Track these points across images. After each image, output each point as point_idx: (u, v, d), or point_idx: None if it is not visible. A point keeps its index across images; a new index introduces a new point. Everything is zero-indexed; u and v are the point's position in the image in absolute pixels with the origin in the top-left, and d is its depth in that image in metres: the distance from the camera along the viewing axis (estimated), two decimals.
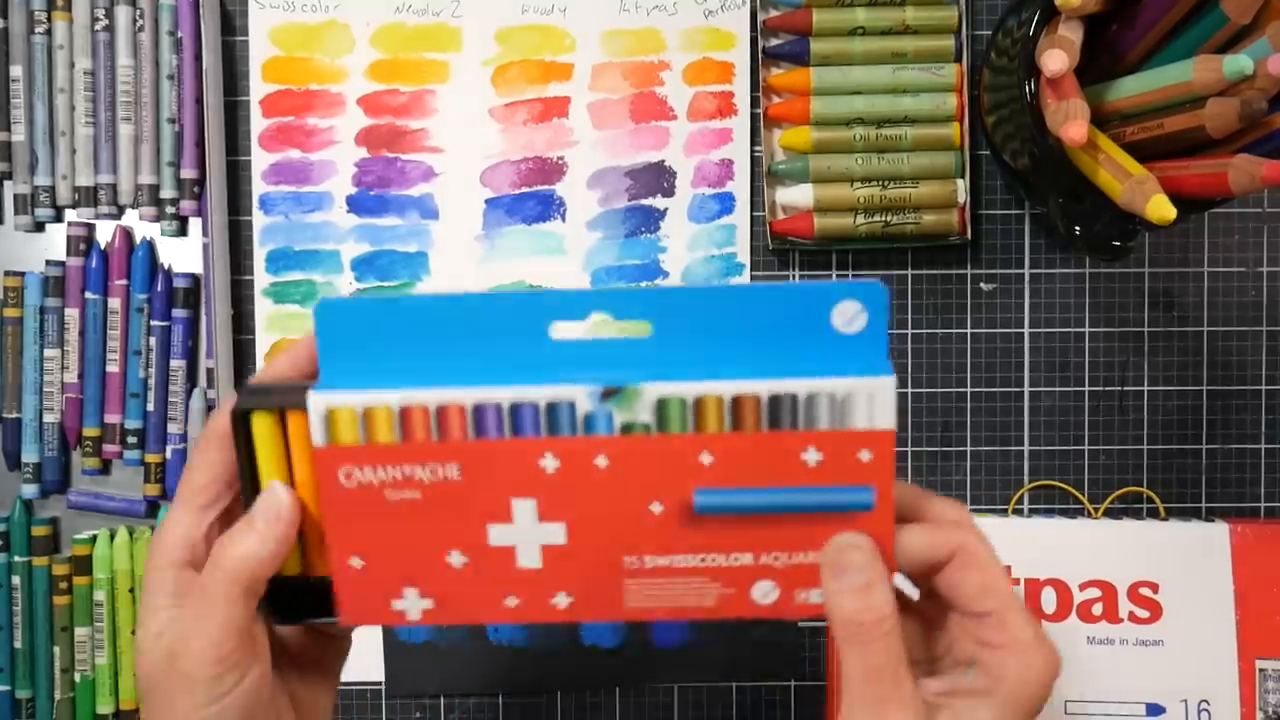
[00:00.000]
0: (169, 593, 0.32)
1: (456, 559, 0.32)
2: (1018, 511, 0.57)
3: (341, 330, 0.31)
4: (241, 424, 0.31)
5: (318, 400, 0.30)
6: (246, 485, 0.32)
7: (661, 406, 0.30)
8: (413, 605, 0.32)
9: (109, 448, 0.55)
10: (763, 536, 0.31)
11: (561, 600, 0.32)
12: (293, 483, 0.32)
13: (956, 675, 0.32)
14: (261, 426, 0.31)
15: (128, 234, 0.56)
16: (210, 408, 0.55)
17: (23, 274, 0.55)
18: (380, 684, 0.56)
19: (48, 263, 0.55)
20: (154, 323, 0.55)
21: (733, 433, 0.30)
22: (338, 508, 0.31)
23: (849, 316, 0.30)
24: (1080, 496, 0.57)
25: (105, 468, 0.56)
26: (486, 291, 0.31)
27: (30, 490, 0.55)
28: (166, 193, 0.55)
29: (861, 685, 0.30)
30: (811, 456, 0.30)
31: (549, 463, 0.31)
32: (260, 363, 0.56)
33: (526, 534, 0.31)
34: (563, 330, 0.31)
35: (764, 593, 0.32)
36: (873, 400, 0.30)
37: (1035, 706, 0.31)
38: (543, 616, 0.32)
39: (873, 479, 0.31)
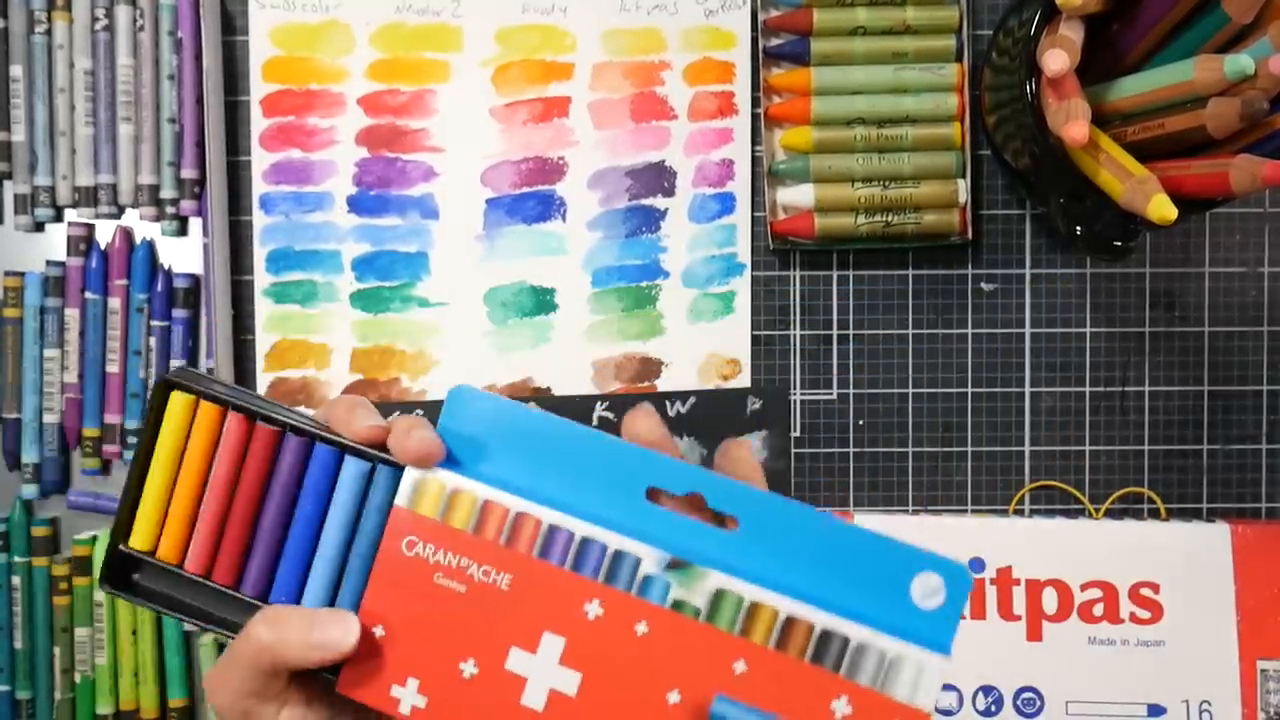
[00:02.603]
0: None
1: (469, 669, 0.31)
2: (1018, 512, 0.57)
3: (464, 418, 0.32)
4: (161, 397, 0.33)
5: (413, 470, 0.32)
6: (141, 453, 0.33)
7: (718, 597, 0.30)
8: (407, 697, 0.32)
9: (109, 448, 0.55)
10: None
11: None
12: (179, 465, 0.33)
13: None
14: (177, 405, 0.33)
15: (128, 234, 0.55)
16: None
17: (23, 274, 0.55)
18: None
19: (48, 263, 0.55)
20: (154, 323, 0.55)
21: (776, 651, 0.30)
22: (387, 571, 0.32)
23: (930, 589, 0.30)
24: (1081, 497, 0.57)
25: (105, 468, 0.56)
26: (604, 435, 0.31)
27: (30, 490, 0.55)
28: (166, 193, 0.55)
29: None
30: (840, 707, 0.30)
31: (593, 608, 0.31)
32: (261, 362, 0.56)
33: (543, 671, 0.31)
34: (657, 496, 0.31)
35: None
36: (920, 675, 0.30)
37: None
38: None
39: None
